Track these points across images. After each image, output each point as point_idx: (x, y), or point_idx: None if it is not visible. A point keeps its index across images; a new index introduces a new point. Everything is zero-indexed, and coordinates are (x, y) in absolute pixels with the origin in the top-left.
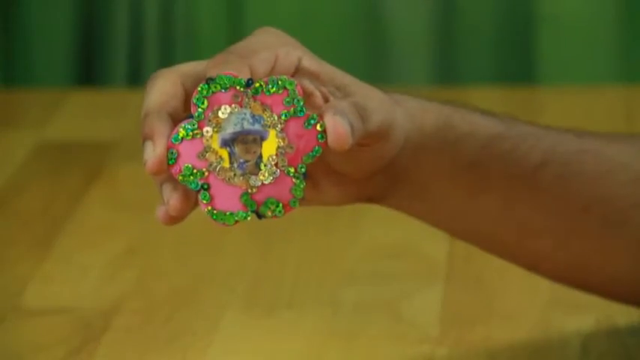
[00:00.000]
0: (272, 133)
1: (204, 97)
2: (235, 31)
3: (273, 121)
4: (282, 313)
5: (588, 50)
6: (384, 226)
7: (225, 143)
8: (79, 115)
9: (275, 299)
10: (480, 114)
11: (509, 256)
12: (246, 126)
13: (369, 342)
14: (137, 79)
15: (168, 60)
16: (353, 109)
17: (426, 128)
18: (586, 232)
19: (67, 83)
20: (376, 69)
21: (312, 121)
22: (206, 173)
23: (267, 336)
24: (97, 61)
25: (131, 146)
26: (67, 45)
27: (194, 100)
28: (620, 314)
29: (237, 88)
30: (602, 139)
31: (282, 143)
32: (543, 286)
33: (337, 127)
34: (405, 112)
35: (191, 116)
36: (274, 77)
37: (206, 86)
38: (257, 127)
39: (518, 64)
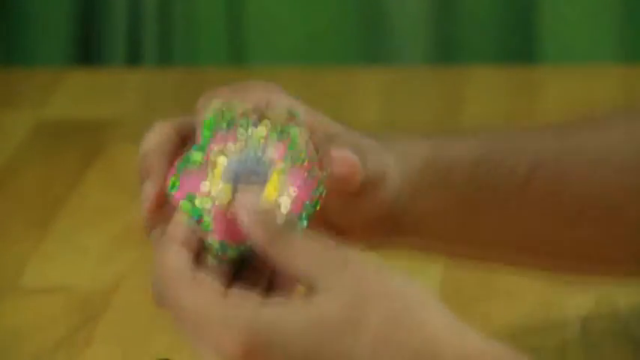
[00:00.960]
0: (274, 176)
1: (210, 130)
2: (234, 9)
3: (276, 165)
4: None
5: (589, 29)
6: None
7: (229, 179)
8: (78, 94)
9: None
10: (460, 139)
11: (519, 265)
12: (250, 165)
13: None
14: (135, 58)
15: (167, 39)
16: (352, 150)
17: (416, 165)
18: (586, 225)
19: (66, 63)
20: (375, 48)
21: (314, 173)
22: (208, 204)
23: None
24: (96, 40)
25: (130, 126)
26: (65, 24)
27: (200, 132)
28: (620, 294)
29: (243, 126)
30: (584, 131)
31: (284, 188)
32: None
33: (347, 158)
34: (397, 155)
35: (195, 147)
36: (279, 123)
37: (212, 120)
38: (260, 168)
39: (518, 42)
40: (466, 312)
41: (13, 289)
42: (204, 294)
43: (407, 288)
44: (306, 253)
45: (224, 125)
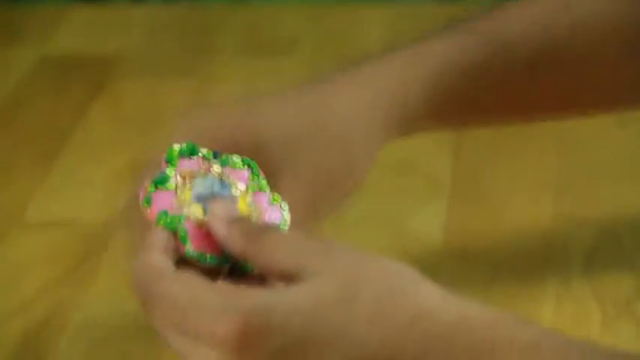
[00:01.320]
0: (241, 201)
1: (176, 157)
2: None
3: (242, 192)
4: None
5: None
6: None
7: (198, 200)
8: (82, 30)
9: None
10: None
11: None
12: (217, 190)
13: None
14: None
15: None
16: None
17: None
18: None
19: None
20: None
21: (277, 199)
22: (182, 219)
23: None
24: None
25: (134, 62)
26: None
27: (166, 159)
28: (624, 228)
29: (206, 156)
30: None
31: (252, 211)
32: (547, 200)
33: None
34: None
35: (162, 172)
36: (238, 155)
37: (176, 149)
38: (226, 191)
39: None
40: (471, 246)
41: (18, 223)
42: (194, 284)
43: (396, 267)
44: (288, 246)
45: (188, 153)
